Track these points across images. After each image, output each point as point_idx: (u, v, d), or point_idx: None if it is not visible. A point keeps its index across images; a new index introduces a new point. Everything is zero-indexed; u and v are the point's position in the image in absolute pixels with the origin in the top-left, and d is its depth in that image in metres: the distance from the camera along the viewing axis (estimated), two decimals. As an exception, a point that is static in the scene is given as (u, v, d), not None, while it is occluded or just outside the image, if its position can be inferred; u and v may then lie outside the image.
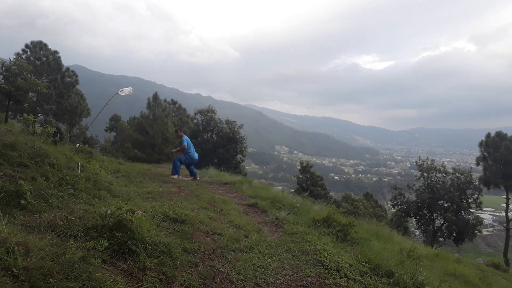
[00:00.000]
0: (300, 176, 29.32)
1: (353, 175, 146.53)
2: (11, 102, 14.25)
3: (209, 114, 25.23)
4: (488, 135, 25.06)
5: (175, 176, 8.29)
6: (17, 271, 1.93)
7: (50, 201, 3.32)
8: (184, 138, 9.01)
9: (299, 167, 30.52)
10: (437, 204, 25.53)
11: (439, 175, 26.65)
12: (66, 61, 23.87)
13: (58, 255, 2.22)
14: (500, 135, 24.34)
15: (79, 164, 4.76)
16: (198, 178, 8.91)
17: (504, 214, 26.33)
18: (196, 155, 9.21)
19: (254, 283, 2.96)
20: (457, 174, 25.91)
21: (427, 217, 26.61)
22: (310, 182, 28.15)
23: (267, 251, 3.75)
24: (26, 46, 21.28)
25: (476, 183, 25.05)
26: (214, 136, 24.80)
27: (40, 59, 21.27)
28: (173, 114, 26.20)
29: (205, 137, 24.78)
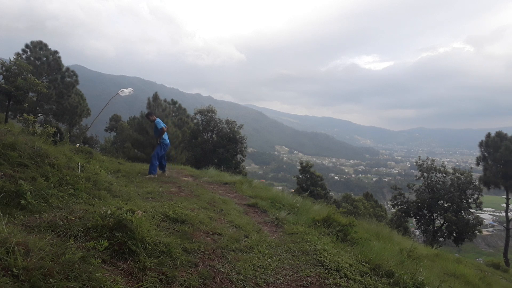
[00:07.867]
0: (300, 176, 29.29)
1: (353, 175, 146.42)
2: (11, 102, 14.25)
3: (209, 114, 25.24)
4: (488, 135, 25.02)
5: (152, 175, 7.62)
6: (17, 271, 1.93)
7: (50, 201, 3.32)
8: (158, 121, 8.05)
9: (299, 167, 30.49)
10: (437, 204, 25.52)
11: (439, 175, 26.64)
12: (67, 61, 23.83)
13: (58, 255, 2.22)
14: (500, 135, 24.31)
15: (79, 164, 4.75)
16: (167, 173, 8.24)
17: (504, 214, 26.31)
18: (168, 140, 8.37)
19: (254, 283, 2.96)
20: (457, 174, 25.89)
21: (427, 217, 26.59)
22: (310, 182, 28.12)
23: (267, 251, 3.74)
24: (26, 46, 21.24)
25: (476, 183, 25.02)
26: (214, 136, 24.80)
27: (40, 59, 21.23)
28: (173, 114, 26.19)
29: (205, 137, 24.78)
